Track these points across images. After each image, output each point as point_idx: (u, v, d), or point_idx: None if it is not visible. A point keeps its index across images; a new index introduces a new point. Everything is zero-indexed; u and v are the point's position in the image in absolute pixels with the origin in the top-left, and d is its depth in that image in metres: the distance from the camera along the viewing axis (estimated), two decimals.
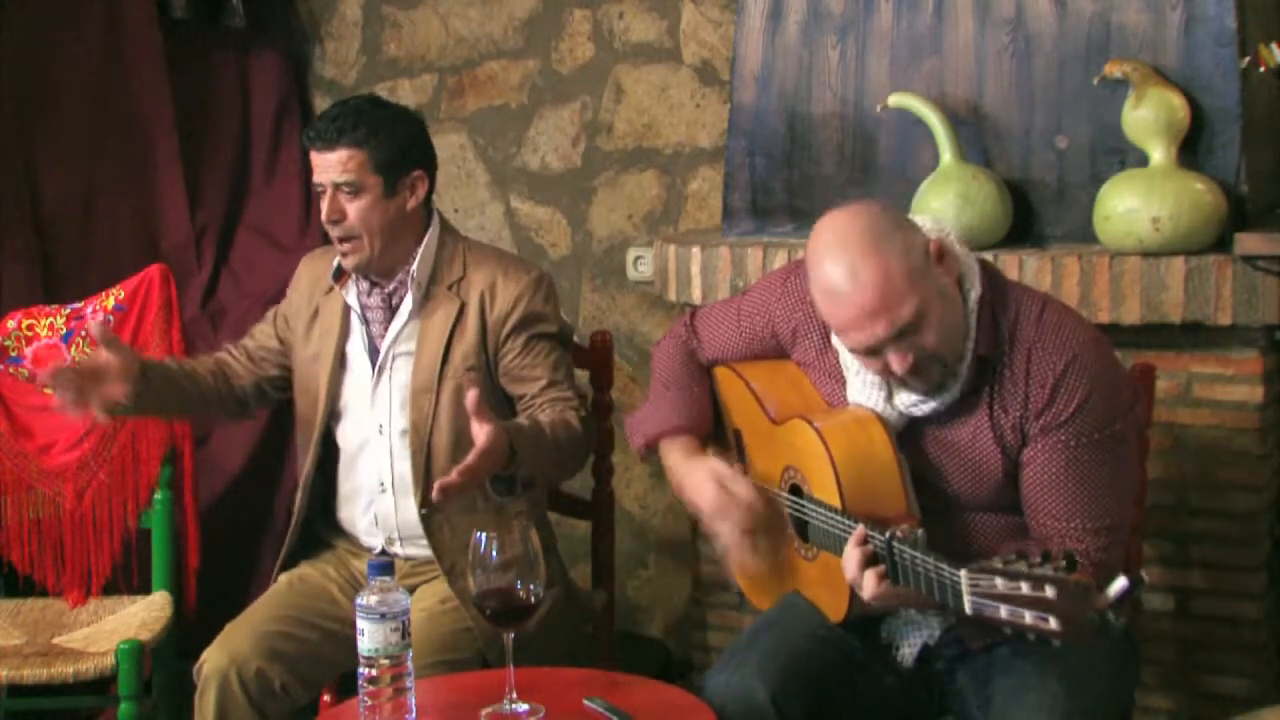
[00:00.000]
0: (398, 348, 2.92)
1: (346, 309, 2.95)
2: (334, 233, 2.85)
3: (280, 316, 3.07)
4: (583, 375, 3.35)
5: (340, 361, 2.95)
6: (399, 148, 2.86)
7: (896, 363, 2.27)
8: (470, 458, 2.55)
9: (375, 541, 2.98)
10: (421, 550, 2.94)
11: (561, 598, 2.94)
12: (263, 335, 3.08)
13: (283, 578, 2.98)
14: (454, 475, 2.56)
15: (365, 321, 2.94)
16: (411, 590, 2.86)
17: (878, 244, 2.25)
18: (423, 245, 2.91)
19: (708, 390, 2.70)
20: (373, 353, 2.93)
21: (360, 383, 2.94)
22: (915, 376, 2.31)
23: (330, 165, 2.82)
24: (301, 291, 3.04)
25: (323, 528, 3.03)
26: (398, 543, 2.96)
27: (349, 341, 2.95)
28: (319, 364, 2.96)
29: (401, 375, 2.91)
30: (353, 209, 2.83)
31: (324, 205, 2.84)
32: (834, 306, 2.28)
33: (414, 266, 2.89)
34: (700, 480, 2.50)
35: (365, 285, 2.93)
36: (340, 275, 2.94)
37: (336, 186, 2.82)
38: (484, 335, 2.89)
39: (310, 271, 3.05)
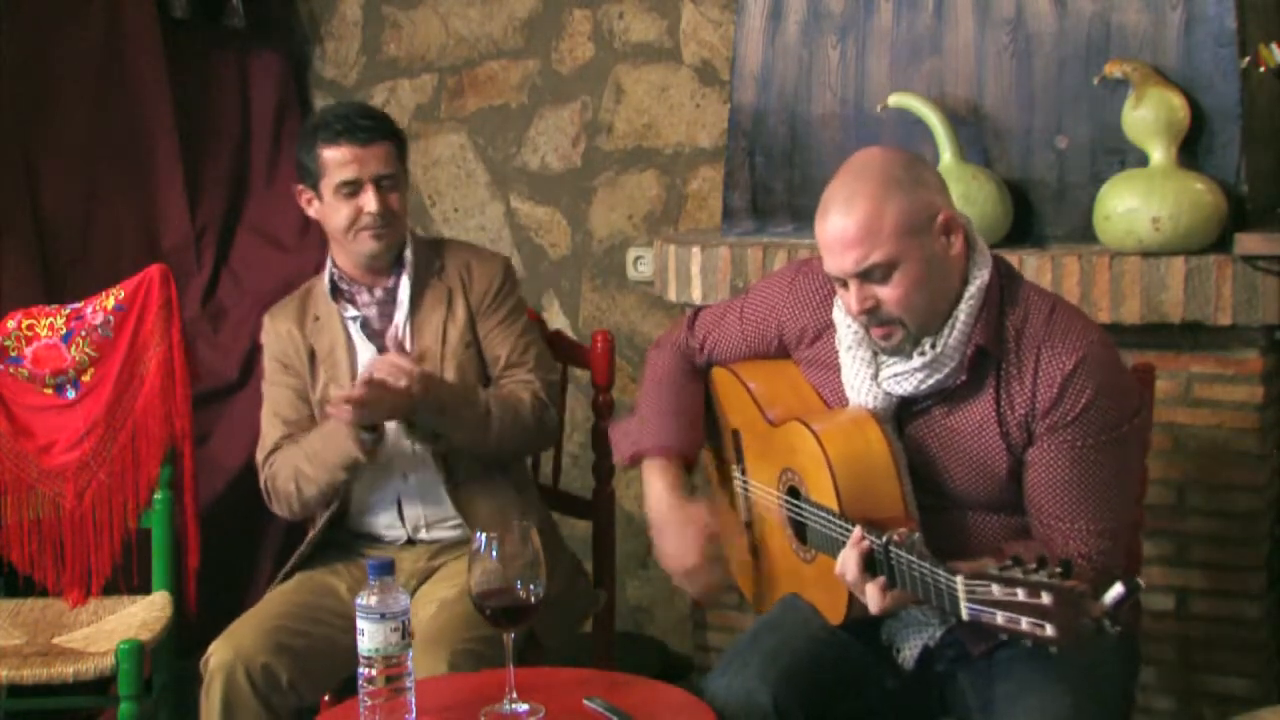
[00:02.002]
0: (406, 339, 2.96)
1: (344, 325, 2.98)
2: (377, 223, 2.90)
3: (287, 375, 3.01)
4: (583, 375, 3.35)
5: (353, 371, 2.96)
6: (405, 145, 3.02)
7: (855, 300, 2.33)
8: (357, 385, 2.75)
9: (399, 534, 3.00)
10: (449, 533, 2.98)
11: (569, 570, 3.01)
12: (293, 399, 3.01)
13: (294, 576, 2.99)
14: (342, 399, 2.75)
15: (366, 324, 2.98)
16: (434, 571, 2.94)
17: (885, 184, 2.31)
18: (406, 236, 3.01)
19: (700, 401, 2.70)
20: (383, 351, 2.94)
21: None
22: (876, 327, 2.35)
23: (374, 159, 2.90)
24: (286, 342, 3.02)
25: (335, 530, 3.03)
26: (423, 529, 2.99)
27: (357, 352, 2.98)
28: (342, 382, 2.94)
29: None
30: (393, 200, 2.93)
31: (364, 199, 2.88)
32: (822, 221, 2.35)
33: (408, 254, 2.98)
34: (687, 537, 2.55)
35: (361, 288, 2.98)
36: (336, 294, 2.98)
37: (379, 179, 2.91)
38: (470, 315, 2.98)
39: (282, 323, 3.03)
